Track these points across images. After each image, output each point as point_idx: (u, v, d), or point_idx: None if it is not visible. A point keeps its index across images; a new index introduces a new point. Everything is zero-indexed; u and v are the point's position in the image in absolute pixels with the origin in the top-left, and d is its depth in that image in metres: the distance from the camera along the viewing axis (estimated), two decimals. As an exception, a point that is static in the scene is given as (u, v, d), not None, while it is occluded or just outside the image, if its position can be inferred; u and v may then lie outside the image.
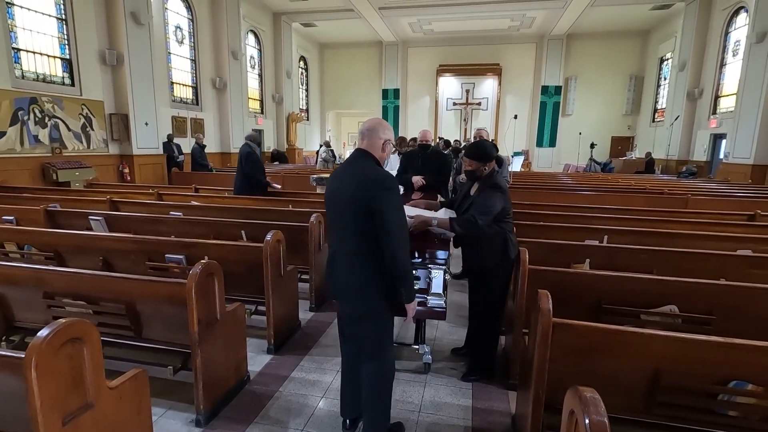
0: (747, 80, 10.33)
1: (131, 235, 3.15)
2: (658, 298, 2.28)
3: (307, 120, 19.38)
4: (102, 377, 1.52)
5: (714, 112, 12.37)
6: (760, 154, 9.91)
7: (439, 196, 3.90)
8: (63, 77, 8.32)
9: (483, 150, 2.64)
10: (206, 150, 12.42)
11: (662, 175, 12.13)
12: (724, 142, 11.70)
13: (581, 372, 1.69)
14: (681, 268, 2.70)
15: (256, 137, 5.44)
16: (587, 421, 1.01)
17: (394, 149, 2.05)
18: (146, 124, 9.81)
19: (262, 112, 15.76)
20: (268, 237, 2.82)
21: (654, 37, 16.05)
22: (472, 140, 4.59)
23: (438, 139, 11.55)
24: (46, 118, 7.87)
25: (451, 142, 10.55)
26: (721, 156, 11.69)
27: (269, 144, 16.20)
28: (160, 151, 10.29)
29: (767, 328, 1.98)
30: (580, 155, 16.22)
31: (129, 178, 9.48)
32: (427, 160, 4.27)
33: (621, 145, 17.02)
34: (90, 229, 3.94)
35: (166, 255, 2.94)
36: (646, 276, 2.34)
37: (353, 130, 22.41)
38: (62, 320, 1.38)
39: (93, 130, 8.88)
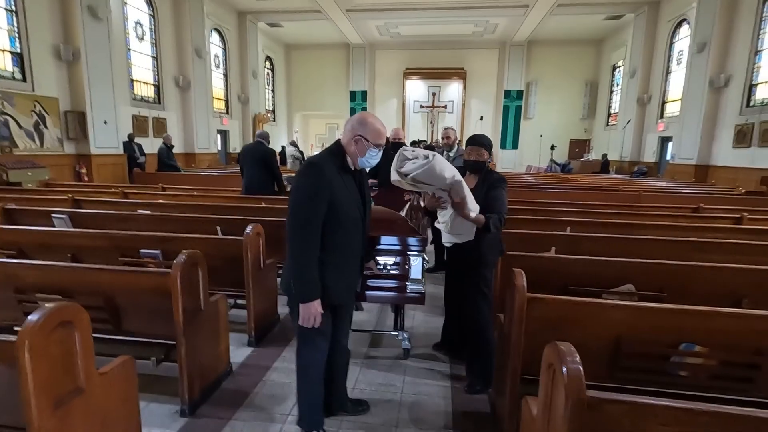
0: (689, 87, 11.17)
1: (102, 231, 3.06)
2: (617, 279, 2.49)
3: (274, 121, 19.12)
4: (92, 362, 1.51)
5: (661, 117, 13.27)
6: (702, 155, 10.73)
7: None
8: (13, 72, 7.86)
9: (485, 137, 2.60)
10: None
11: (617, 175, 12.86)
12: (670, 144, 12.56)
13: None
14: (636, 254, 2.94)
15: (267, 136, 5.36)
16: (564, 369, 1.14)
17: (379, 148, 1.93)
18: (105, 122, 9.41)
19: (227, 113, 15.43)
20: (248, 230, 2.84)
21: (607, 45, 17.01)
22: (440, 140, 4.72)
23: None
24: (-5, 115, 7.41)
25: (418, 142, 10.78)
26: (668, 157, 12.54)
27: (235, 145, 15.88)
28: (120, 151, 9.89)
29: (710, 301, 2.20)
30: (541, 157, 16.91)
31: (87, 179, 9.04)
32: None
33: (578, 147, 17.89)
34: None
35: (141, 250, 2.89)
36: (606, 259, 2.54)
37: (321, 131, 22.32)
38: (53, 304, 1.37)
39: (47, 128, 8.42)
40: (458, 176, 2.27)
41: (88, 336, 1.49)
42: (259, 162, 5.07)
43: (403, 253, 2.61)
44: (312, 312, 1.84)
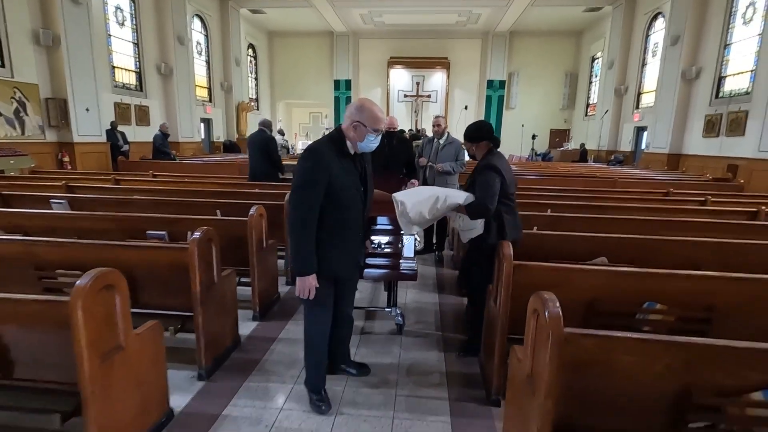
0: (663, 78, 11.62)
1: (109, 213, 3.17)
2: (592, 253, 2.75)
3: (257, 110, 18.96)
4: (129, 323, 1.68)
5: (637, 107, 13.75)
6: (674, 145, 11.23)
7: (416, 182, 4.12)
8: (-9, 57, 7.68)
9: (470, 126, 2.69)
10: (152, 139, 11.93)
11: (594, 164, 13.32)
12: (645, 134, 13.06)
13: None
14: (609, 232, 3.22)
15: (269, 124, 5.51)
16: (547, 313, 1.37)
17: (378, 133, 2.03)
18: (87, 110, 9.26)
19: (210, 101, 15.26)
20: (252, 211, 3.00)
21: (586, 37, 17.41)
22: (432, 128, 4.90)
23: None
24: (-26, 102, 7.26)
25: (406, 131, 10.96)
26: (643, 146, 13.06)
27: (218, 134, 15.75)
28: (104, 139, 9.76)
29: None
30: (523, 146, 17.31)
31: (70, 167, 8.92)
32: (393, 149, 4.55)
33: (559, 136, 18.36)
34: (52, 212, 3.85)
35: (148, 232, 3.02)
36: (582, 234, 2.81)
37: (304, 120, 22.19)
38: (98, 269, 1.53)
39: (27, 115, 8.26)
40: (441, 204, 2.44)
41: (127, 299, 1.65)
42: (261, 149, 5.27)
43: (396, 232, 2.76)
44: (306, 285, 1.98)
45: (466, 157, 4.43)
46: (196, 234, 2.24)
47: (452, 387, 2.45)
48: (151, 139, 11.64)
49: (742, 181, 7.10)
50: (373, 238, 2.80)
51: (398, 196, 2.47)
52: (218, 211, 3.72)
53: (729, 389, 1.32)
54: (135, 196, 4.27)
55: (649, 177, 7.80)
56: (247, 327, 3.04)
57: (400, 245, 2.78)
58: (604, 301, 2.02)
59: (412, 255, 2.78)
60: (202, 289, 2.27)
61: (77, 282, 1.48)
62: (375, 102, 2.14)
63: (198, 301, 2.26)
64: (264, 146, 5.26)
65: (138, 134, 11.34)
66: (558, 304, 1.36)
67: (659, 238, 2.74)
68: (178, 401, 2.19)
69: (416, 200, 2.44)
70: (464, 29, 17.66)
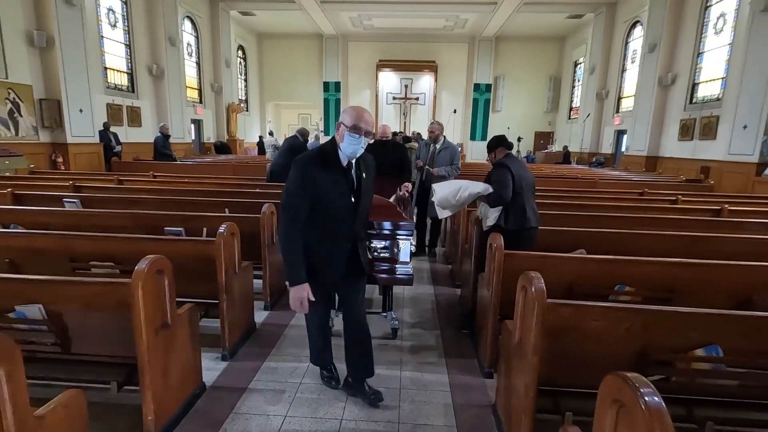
0: (641, 84, 12.18)
1: (127, 211, 3.38)
2: (572, 246, 3.07)
3: (247, 111, 19.06)
4: (174, 303, 1.93)
5: (617, 111, 14.33)
6: (652, 148, 11.79)
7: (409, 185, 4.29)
8: (-14, 58, 7.72)
9: (492, 139, 3.29)
10: (144, 140, 12.01)
11: (577, 165, 13.84)
12: (625, 137, 13.63)
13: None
14: (589, 227, 3.56)
15: (306, 132, 5.84)
16: (533, 288, 1.66)
17: (370, 137, 2.05)
18: (80, 111, 9.33)
19: (200, 102, 15.34)
20: (264, 209, 3.25)
21: (569, 42, 18.00)
22: (427, 133, 5.20)
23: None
24: (-31, 102, 7.30)
25: (398, 133, 11.26)
26: (623, 149, 13.62)
27: (208, 135, 15.83)
28: (96, 139, 9.82)
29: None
30: (509, 148, 17.79)
31: (63, 168, 8.98)
32: (387, 157, 4.66)
33: (543, 139, 18.92)
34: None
35: (166, 228, 3.24)
36: (562, 228, 3.14)
37: (293, 121, 22.34)
38: (152, 255, 1.78)
39: (21, 116, 8.31)
40: (463, 193, 3.11)
41: (173, 282, 1.90)
42: (292, 153, 5.56)
43: (392, 237, 2.77)
44: (298, 296, 1.99)
45: (460, 161, 4.72)
46: (222, 228, 2.48)
47: (450, 364, 2.75)
48: (142, 140, 11.77)
49: (712, 182, 7.60)
50: (369, 242, 2.73)
51: (435, 186, 3.25)
52: (227, 209, 3.95)
53: (678, 348, 1.63)
54: (142, 196, 4.47)
55: (627, 178, 8.25)
56: (260, 315, 3.29)
57: (396, 250, 2.79)
58: (581, 285, 2.34)
59: (408, 259, 2.81)
60: (227, 278, 2.52)
61: (137, 266, 1.72)
62: (366, 108, 2.10)
63: (223, 289, 2.51)
64: (296, 151, 5.56)
65: (130, 135, 11.39)
66: (542, 281, 1.67)
67: (633, 233, 3.08)
68: (206, 377, 2.43)
69: (447, 191, 3.15)
70: (451, 33, 18.08)
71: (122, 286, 1.73)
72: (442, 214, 3.30)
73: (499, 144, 3.20)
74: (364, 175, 2.11)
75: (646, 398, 1.01)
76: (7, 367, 1.16)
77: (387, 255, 2.80)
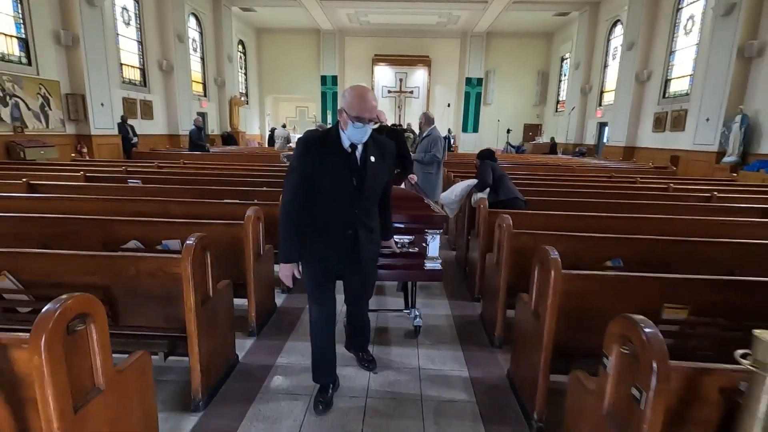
0: (621, 80, 13.13)
1: (190, 187, 4.22)
2: (555, 227, 3.91)
3: (247, 104, 19.70)
4: (214, 279, 2.28)
5: (600, 105, 15.29)
6: (629, 139, 12.76)
7: (414, 177, 4.70)
8: (20, 56, 8.39)
9: (480, 152, 4.40)
10: (155, 132, 12.72)
11: (563, 156, 14.80)
12: (606, 128, 14.61)
13: (526, 264, 2.47)
14: (568, 209, 4.37)
15: (323, 127, 6.58)
16: (551, 257, 1.93)
17: (371, 121, 1.96)
18: (102, 104, 10.03)
19: (205, 95, 15.98)
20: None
21: (556, 39, 18.90)
22: (418, 123, 5.98)
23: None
24: (7, 97, 7.99)
25: (395, 125, 12.08)
26: (605, 140, 14.61)
27: (212, 127, 16.48)
28: (115, 131, 10.54)
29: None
30: (499, 139, 18.72)
31: (88, 158, 9.70)
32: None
33: (531, 131, 19.86)
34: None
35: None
36: (547, 213, 3.93)
37: (291, 114, 22.93)
38: (199, 233, 2.12)
39: (51, 109, 9.02)
40: (457, 189, 4.27)
41: (214, 259, 2.23)
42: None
43: (421, 231, 2.72)
44: (286, 272, 2.09)
45: (439, 150, 5.38)
46: (249, 212, 2.80)
47: (463, 339, 3.04)
48: (154, 132, 12.54)
49: (675, 168, 8.59)
50: (396, 237, 2.65)
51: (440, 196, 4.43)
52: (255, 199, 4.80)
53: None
54: (196, 176, 5.27)
55: (602, 165, 9.22)
56: (278, 298, 3.60)
57: (424, 245, 2.73)
58: (580, 261, 2.58)
59: (437, 254, 2.75)
60: (254, 260, 2.85)
61: (186, 241, 2.04)
62: (369, 88, 2.02)
63: (250, 271, 2.83)
64: None
65: (143, 127, 12.06)
66: (557, 254, 2.00)
67: (610, 217, 3.74)
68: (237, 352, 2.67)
69: (446, 193, 4.33)
70: (444, 29, 18.85)
71: (174, 261, 2.05)
72: (450, 212, 4.38)
73: (488, 156, 4.32)
74: (372, 159, 2.01)
75: (646, 330, 1.26)
76: (97, 322, 1.41)
77: (414, 250, 2.73)
